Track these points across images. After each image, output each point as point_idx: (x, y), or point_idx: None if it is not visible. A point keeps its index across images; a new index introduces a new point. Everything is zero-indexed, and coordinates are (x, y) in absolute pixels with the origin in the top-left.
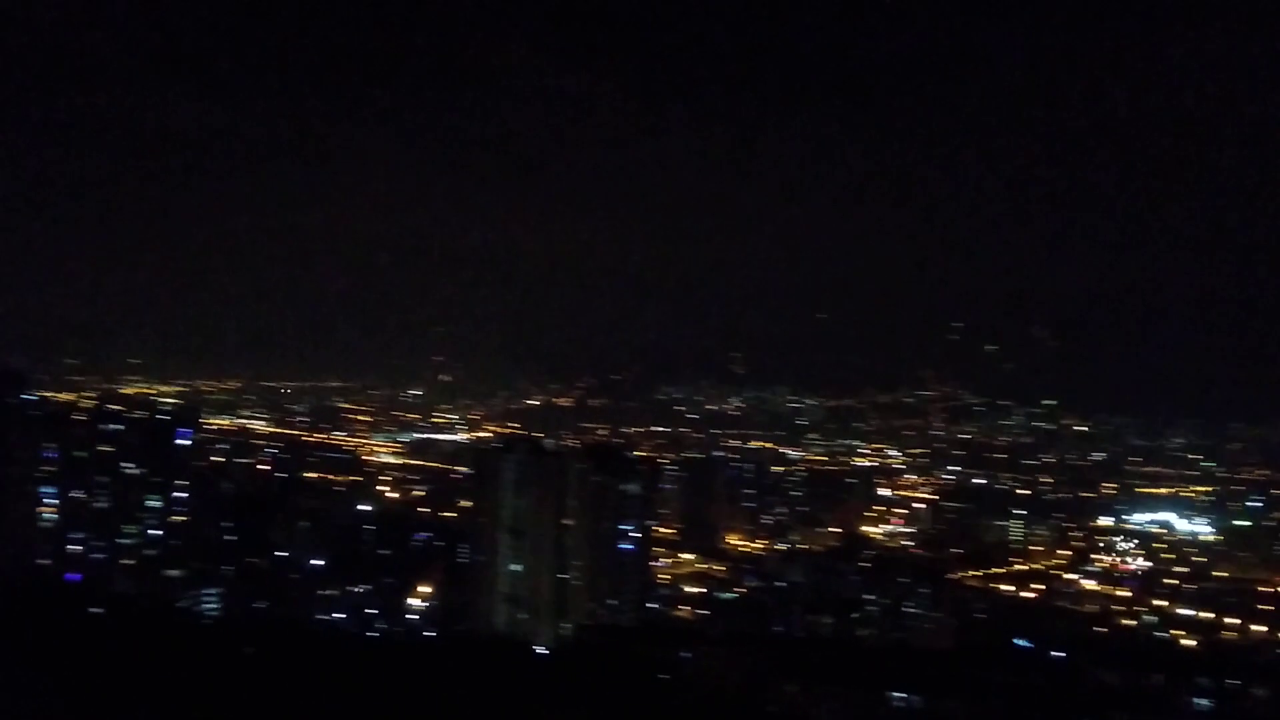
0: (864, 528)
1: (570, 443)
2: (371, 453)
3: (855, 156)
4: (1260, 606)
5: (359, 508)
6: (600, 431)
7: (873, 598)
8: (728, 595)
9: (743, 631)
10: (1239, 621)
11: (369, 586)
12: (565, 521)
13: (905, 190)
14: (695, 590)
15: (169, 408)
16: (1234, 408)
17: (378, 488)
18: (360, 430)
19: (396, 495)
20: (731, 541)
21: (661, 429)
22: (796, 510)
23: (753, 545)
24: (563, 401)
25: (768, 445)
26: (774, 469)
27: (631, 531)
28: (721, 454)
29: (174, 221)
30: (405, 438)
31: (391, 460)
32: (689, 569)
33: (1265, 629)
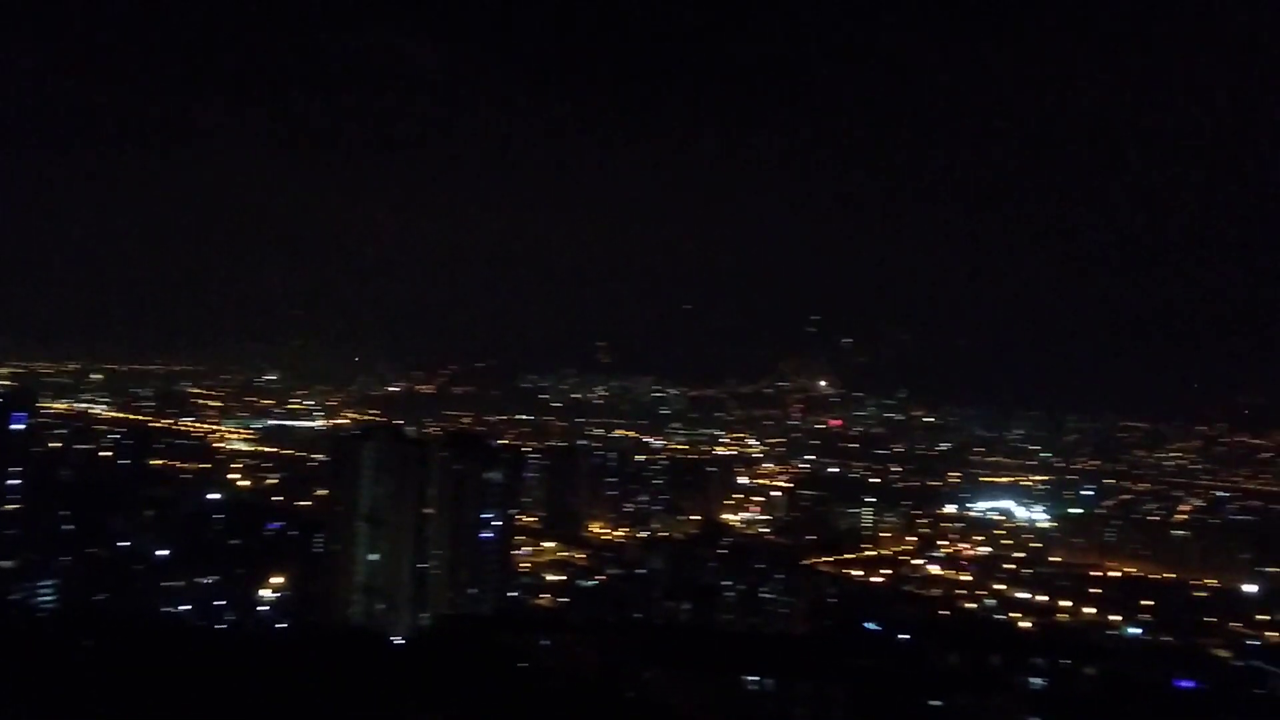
0: (723, 515)
1: (432, 430)
2: (222, 439)
3: (721, 152)
4: (1091, 590)
5: (208, 496)
6: (463, 419)
7: (730, 583)
8: (589, 583)
9: (603, 618)
10: (1071, 604)
11: (217, 577)
12: (426, 510)
13: (769, 187)
14: (557, 578)
15: (2, 390)
16: (1070, 402)
17: (228, 476)
18: (210, 416)
19: (248, 483)
20: (594, 529)
21: (526, 417)
22: (658, 498)
23: (615, 533)
24: (425, 388)
25: (631, 434)
26: (637, 458)
27: (493, 520)
28: (585, 443)
29: (10, 197)
30: (258, 424)
31: (243, 447)
32: (551, 557)
33: (1095, 611)
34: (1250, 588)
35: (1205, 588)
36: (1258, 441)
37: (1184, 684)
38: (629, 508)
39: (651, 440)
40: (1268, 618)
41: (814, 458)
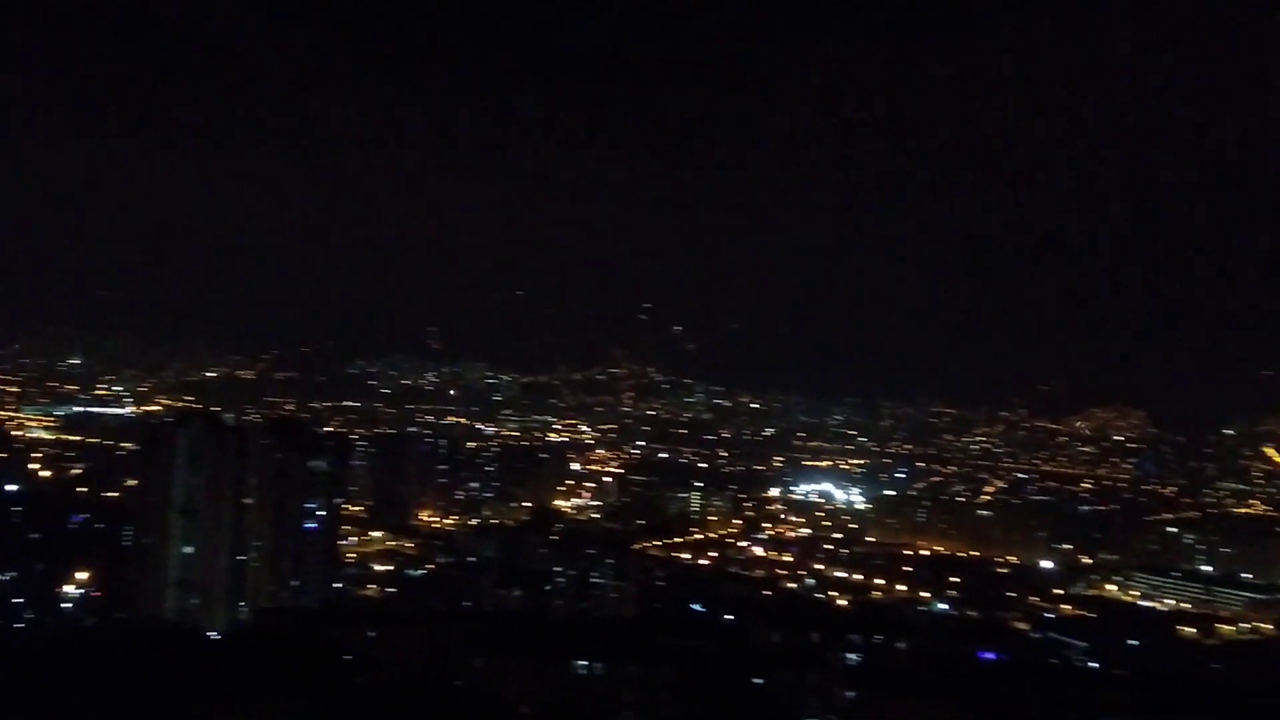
0: (555, 501)
1: (252, 417)
2: (21, 427)
3: (553, 138)
4: (903, 568)
5: (5, 487)
6: (286, 406)
7: (561, 569)
8: (418, 572)
9: (432, 608)
10: (885, 582)
11: (14, 573)
12: (245, 500)
13: (602, 175)
14: (384, 568)
15: None
16: (885, 388)
17: (28, 465)
18: (8, 402)
19: (50, 474)
20: (424, 518)
21: (353, 404)
22: (490, 485)
23: (445, 521)
24: (245, 374)
25: (463, 421)
26: (468, 445)
27: (318, 510)
28: (415, 430)
29: None
30: (61, 410)
31: (45, 435)
32: (379, 547)
33: (906, 588)
34: (1047, 564)
35: (1007, 564)
36: (1055, 426)
37: (987, 656)
38: (460, 495)
39: (483, 427)
40: (1062, 592)
41: (645, 443)
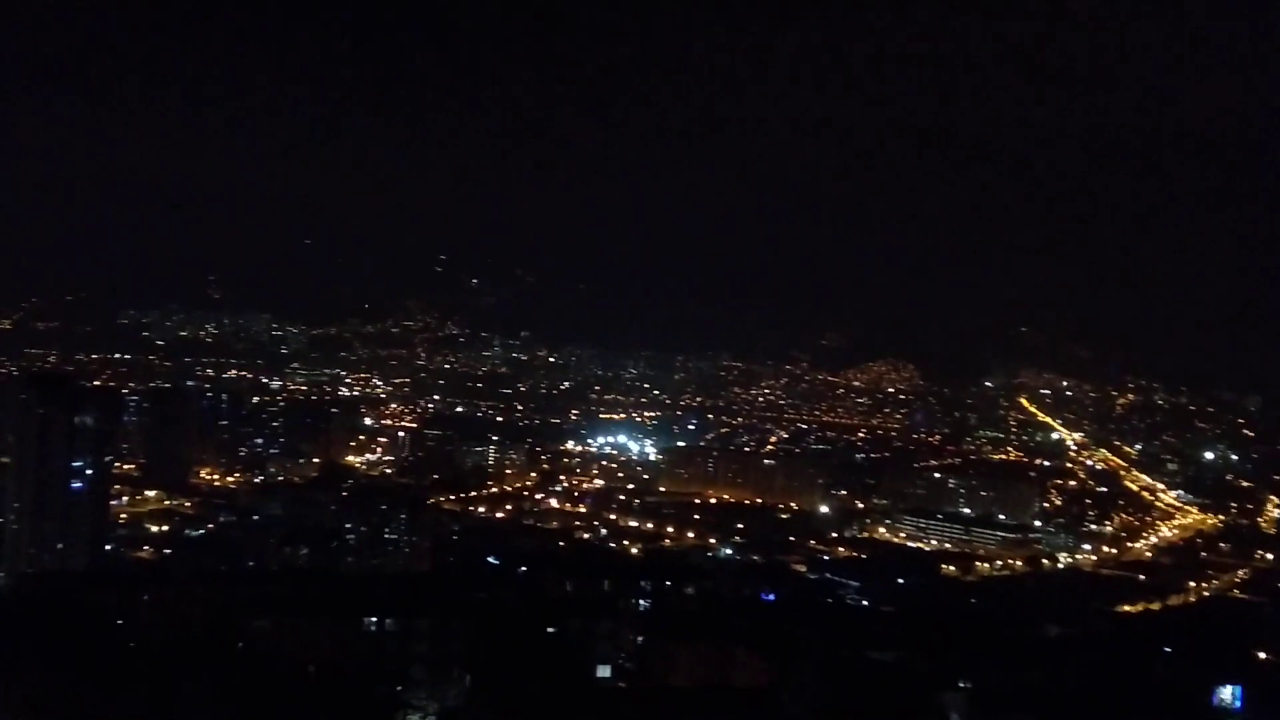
0: (347, 457)
1: (10, 371)
2: None
3: (345, 80)
4: (693, 516)
5: None
6: (49, 358)
7: (351, 526)
8: (197, 532)
9: (213, 568)
10: (674, 530)
11: None
12: (2, 459)
13: (393, 120)
14: (160, 528)
15: None
16: (678, 343)
17: None
18: None
19: None
20: (204, 476)
21: (124, 356)
22: (276, 441)
23: (227, 479)
24: (1, 324)
25: (246, 375)
26: (253, 400)
27: (84, 469)
28: (193, 384)
29: None
30: None
31: None
32: (154, 506)
33: (695, 536)
34: (825, 509)
35: (788, 510)
36: (834, 379)
37: (768, 597)
38: (243, 452)
39: (269, 381)
40: (838, 535)
41: (440, 397)
